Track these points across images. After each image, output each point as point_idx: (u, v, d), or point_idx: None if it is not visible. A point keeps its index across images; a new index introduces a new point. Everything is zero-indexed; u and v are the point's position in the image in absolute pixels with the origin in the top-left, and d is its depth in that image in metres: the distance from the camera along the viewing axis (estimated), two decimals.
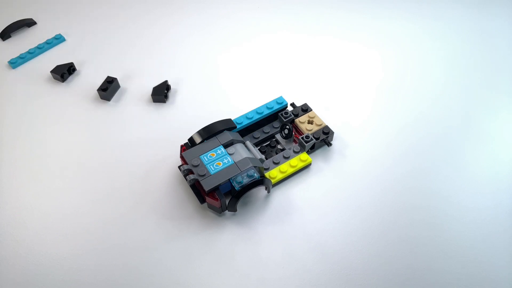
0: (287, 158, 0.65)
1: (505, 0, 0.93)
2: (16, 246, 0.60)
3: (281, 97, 0.69)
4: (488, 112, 0.74)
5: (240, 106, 0.74)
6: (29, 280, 0.57)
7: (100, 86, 0.76)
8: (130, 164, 0.68)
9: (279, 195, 0.64)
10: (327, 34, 0.88)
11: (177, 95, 0.78)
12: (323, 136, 0.67)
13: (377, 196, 0.64)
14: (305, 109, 0.70)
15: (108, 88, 0.76)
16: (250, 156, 0.63)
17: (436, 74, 0.80)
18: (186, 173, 0.61)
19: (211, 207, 0.62)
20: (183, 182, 0.66)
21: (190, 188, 0.64)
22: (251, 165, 0.60)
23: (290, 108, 0.72)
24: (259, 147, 0.68)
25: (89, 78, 0.81)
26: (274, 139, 0.69)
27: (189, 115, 0.74)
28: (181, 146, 0.65)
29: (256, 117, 0.68)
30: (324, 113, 0.74)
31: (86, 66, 0.83)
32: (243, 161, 0.61)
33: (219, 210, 0.61)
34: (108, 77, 0.77)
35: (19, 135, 0.73)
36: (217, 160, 0.61)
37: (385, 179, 0.66)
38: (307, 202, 0.64)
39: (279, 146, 0.68)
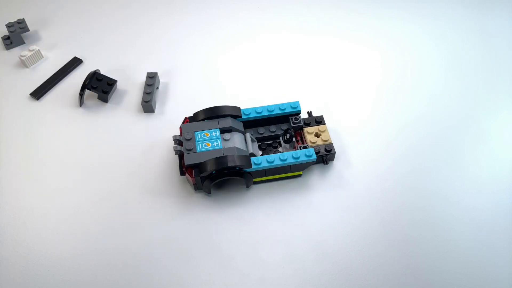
0: None
1: (505, 0, 0.93)
2: (16, 246, 0.60)
3: (297, 102, 0.68)
4: (488, 112, 0.74)
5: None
6: (29, 280, 0.57)
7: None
8: (130, 164, 0.68)
9: (279, 194, 0.64)
10: (327, 34, 0.87)
11: (178, 96, 0.78)
12: (323, 153, 0.65)
13: (377, 196, 0.64)
14: (319, 121, 0.68)
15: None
16: (242, 147, 0.63)
17: (436, 74, 0.80)
18: (176, 142, 0.63)
19: (189, 181, 0.63)
20: (185, 182, 0.66)
21: (191, 188, 0.64)
22: (239, 155, 0.60)
23: (305, 116, 0.71)
24: (260, 143, 0.68)
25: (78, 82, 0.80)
26: (278, 141, 0.69)
27: (188, 116, 0.74)
28: (185, 118, 0.67)
29: (265, 113, 0.67)
30: (324, 113, 0.74)
31: (81, 66, 0.83)
32: (230, 149, 0.61)
33: (194, 187, 0.63)
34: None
35: (19, 136, 0.73)
36: (208, 141, 0.63)
37: (385, 179, 0.66)
38: (307, 201, 0.64)
39: (280, 149, 0.68)
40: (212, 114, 0.65)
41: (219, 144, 0.62)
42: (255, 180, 0.65)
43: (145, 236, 0.61)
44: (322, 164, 0.67)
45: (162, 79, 0.80)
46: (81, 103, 0.76)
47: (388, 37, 0.87)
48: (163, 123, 0.74)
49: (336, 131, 0.71)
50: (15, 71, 0.82)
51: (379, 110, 0.75)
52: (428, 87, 0.78)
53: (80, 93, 0.75)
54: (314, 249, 0.59)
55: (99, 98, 0.77)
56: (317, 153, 0.64)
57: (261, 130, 0.69)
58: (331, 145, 0.66)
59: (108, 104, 0.77)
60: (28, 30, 0.85)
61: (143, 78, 0.80)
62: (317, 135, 0.67)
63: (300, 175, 0.66)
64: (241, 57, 0.84)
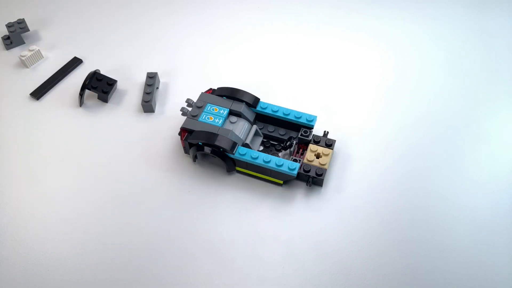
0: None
1: (505, 0, 0.93)
2: (16, 246, 0.60)
3: (314, 117, 0.66)
4: (488, 112, 0.74)
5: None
6: (29, 280, 0.57)
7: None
8: (130, 164, 0.68)
9: (279, 194, 0.64)
10: (327, 35, 0.88)
11: (178, 96, 0.78)
12: (312, 173, 0.62)
13: (377, 196, 0.64)
14: (329, 144, 0.65)
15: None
16: (241, 135, 0.65)
17: (436, 74, 0.80)
18: (187, 104, 0.68)
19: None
20: (186, 183, 0.66)
21: (192, 191, 0.65)
22: (229, 139, 0.62)
23: (320, 134, 0.69)
24: (266, 140, 0.68)
25: (75, 82, 0.80)
26: (282, 144, 0.68)
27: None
28: (210, 89, 0.71)
29: (279, 114, 0.67)
30: (324, 112, 0.74)
31: (81, 66, 0.83)
32: (226, 131, 0.63)
33: (184, 150, 0.68)
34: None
35: (18, 136, 0.73)
36: (213, 115, 0.66)
37: (385, 179, 0.66)
38: (307, 202, 0.64)
39: (280, 154, 0.68)
40: (230, 94, 0.68)
41: (220, 122, 0.65)
42: (240, 170, 0.66)
43: (145, 235, 0.61)
44: (306, 185, 0.64)
45: (162, 79, 0.80)
46: (81, 103, 0.76)
47: (388, 37, 0.87)
48: (163, 123, 0.74)
49: (336, 130, 0.71)
50: (15, 71, 0.82)
51: (379, 110, 0.75)
52: (428, 87, 0.78)
53: (80, 93, 0.75)
54: (314, 249, 0.59)
55: (99, 98, 0.77)
56: (307, 171, 0.62)
57: (271, 128, 0.69)
58: (323, 170, 0.62)
59: (108, 104, 0.77)
60: (28, 30, 0.85)
61: (143, 78, 0.80)
62: (318, 156, 0.64)
63: (281, 185, 0.65)
64: (241, 57, 0.84)
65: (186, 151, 0.68)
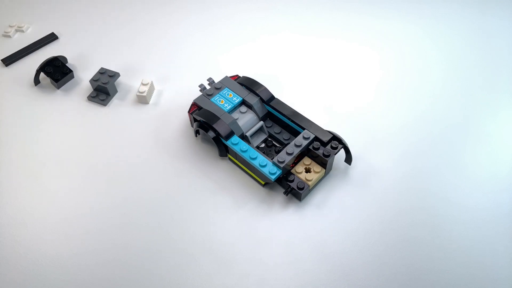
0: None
1: (505, 0, 0.93)
2: (16, 246, 0.60)
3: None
4: (488, 112, 0.74)
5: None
6: (29, 280, 0.57)
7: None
8: (128, 165, 0.68)
9: (279, 195, 0.64)
10: (327, 35, 0.88)
11: (177, 97, 0.78)
12: (294, 185, 0.61)
13: (377, 196, 0.64)
14: (327, 154, 0.61)
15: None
16: (244, 127, 0.66)
17: (435, 74, 0.80)
18: (208, 83, 0.72)
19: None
20: (185, 182, 0.66)
21: (191, 192, 0.65)
22: (227, 126, 0.64)
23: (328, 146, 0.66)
24: (270, 139, 0.69)
25: (84, 79, 0.81)
26: (285, 147, 0.68)
27: (186, 118, 0.74)
28: (236, 75, 0.73)
29: (286, 119, 0.67)
30: (324, 112, 0.74)
31: (82, 66, 0.83)
32: (228, 117, 0.65)
33: (191, 124, 0.71)
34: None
35: (18, 135, 0.73)
36: (225, 99, 0.68)
37: (385, 179, 0.66)
38: (306, 202, 0.64)
39: (276, 157, 0.67)
40: (249, 85, 0.69)
41: (228, 108, 0.67)
42: (232, 158, 0.66)
43: (145, 236, 0.61)
44: (284, 194, 0.63)
45: (161, 78, 0.80)
46: (36, 82, 0.78)
47: (388, 37, 0.87)
48: (163, 123, 0.74)
49: (336, 131, 0.71)
50: None
51: (378, 110, 0.75)
52: (427, 87, 0.78)
53: (36, 71, 0.77)
54: (314, 249, 0.59)
55: (52, 83, 0.78)
56: (291, 181, 0.61)
57: (278, 130, 0.69)
58: (306, 185, 0.61)
59: (108, 104, 0.77)
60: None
61: (143, 77, 0.80)
62: (308, 170, 0.62)
63: (262, 185, 0.65)
64: (242, 57, 0.84)
65: (192, 125, 0.70)
